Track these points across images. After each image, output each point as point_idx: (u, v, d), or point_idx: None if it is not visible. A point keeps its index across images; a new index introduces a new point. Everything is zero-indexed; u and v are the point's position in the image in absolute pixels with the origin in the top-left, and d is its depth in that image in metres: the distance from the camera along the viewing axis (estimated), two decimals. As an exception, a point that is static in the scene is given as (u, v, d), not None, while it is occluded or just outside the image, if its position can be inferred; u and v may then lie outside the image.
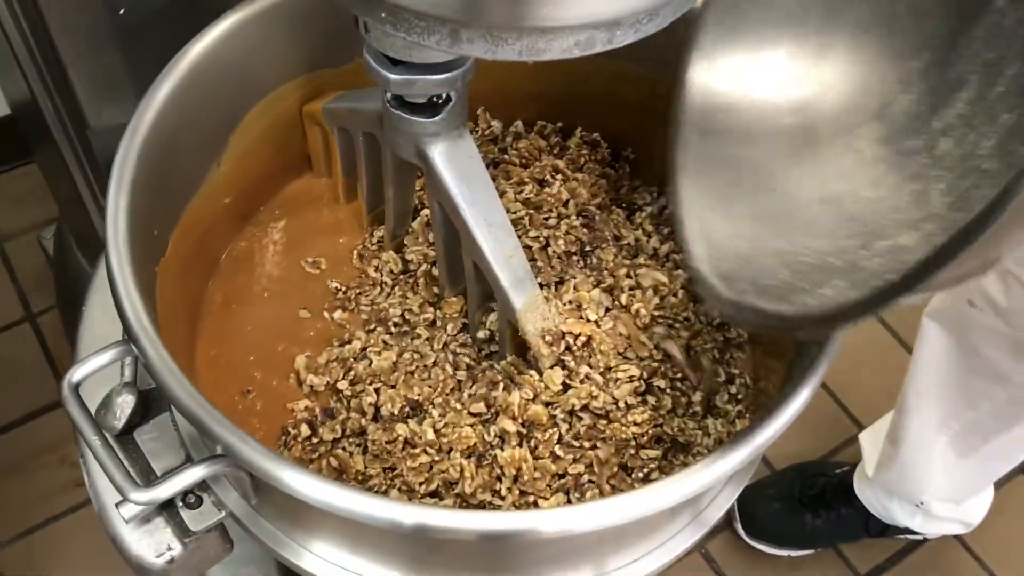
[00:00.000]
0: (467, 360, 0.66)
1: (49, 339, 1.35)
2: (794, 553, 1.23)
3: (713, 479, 0.52)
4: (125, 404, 0.65)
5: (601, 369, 0.64)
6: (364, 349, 0.67)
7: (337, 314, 0.71)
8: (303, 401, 0.66)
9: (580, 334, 0.63)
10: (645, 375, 0.65)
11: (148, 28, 0.71)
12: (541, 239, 0.70)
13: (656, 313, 0.68)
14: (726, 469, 0.52)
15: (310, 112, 0.73)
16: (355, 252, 0.75)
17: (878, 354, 1.41)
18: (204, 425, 0.49)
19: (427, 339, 0.68)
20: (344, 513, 0.47)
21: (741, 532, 1.24)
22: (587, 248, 0.70)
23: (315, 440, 0.63)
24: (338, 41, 0.73)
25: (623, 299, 0.68)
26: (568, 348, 0.63)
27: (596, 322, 0.66)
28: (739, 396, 0.68)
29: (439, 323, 0.69)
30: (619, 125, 0.80)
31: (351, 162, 0.74)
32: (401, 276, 0.72)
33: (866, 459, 1.15)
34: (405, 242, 0.73)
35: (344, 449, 0.63)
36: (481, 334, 0.67)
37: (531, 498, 0.61)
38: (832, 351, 0.56)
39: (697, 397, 0.66)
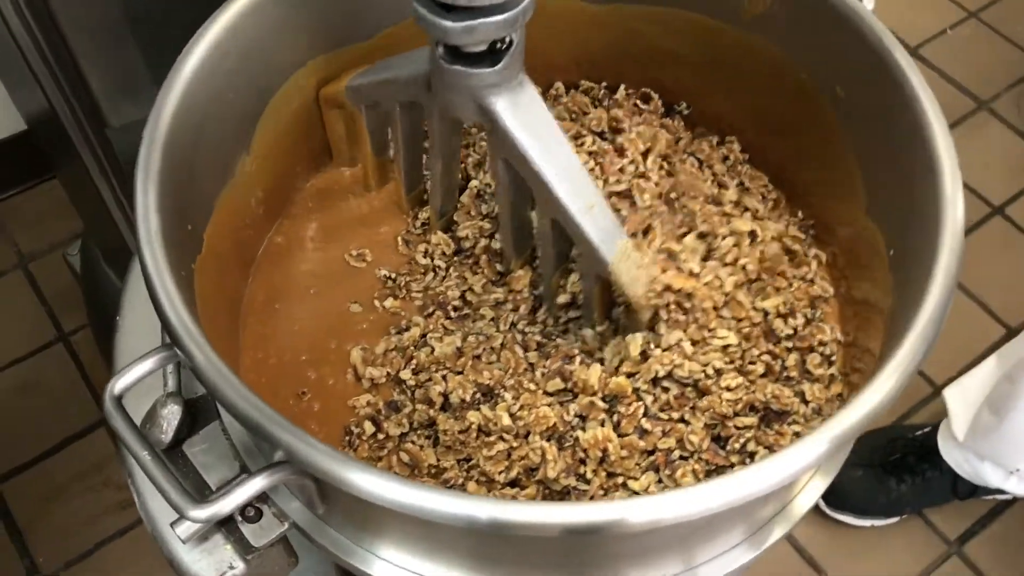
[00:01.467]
0: (537, 338, 0.61)
1: (84, 358, 1.32)
2: (879, 523, 1.17)
3: (826, 448, 0.46)
4: (171, 416, 0.61)
5: (696, 329, 0.58)
6: (424, 335, 0.62)
7: (389, 302, 0.66)
8: (364, 396, 0.61)
9: (681, 289, 0.57)
10: (742, 342, 0.59)
11: (162, 14, 0.67)
12: (623, 183, 0.65)
13: (760, 267, 0.63)
14: (838, 431, 0.46)
15: (329, 95, 0.68)
16: (399, 239, 0.70)
17: (953, 312, 1.35)
18: (264, 430, 0.44)
19: (492, 319, 0.62)
20: (432, 516, 0.42)
21: (822, 504, 1.18)
22: (672, 195, 0.65)
23: (381, 436, 0.59)
24: (357, 14, 0.67)
25: (722, 248, 0.62)
26: (667, 305, 0.57)
27: (696, 275, 0.60)
28: (832, 357, 0.62)
29: (507, 302, 0.63)
30: (670, 81, 0.74)
31: (383, 142, 0.69)
32: (455, 257, 0.67)
33: (954, 420, 1.09)
34: (455, 219, 0.68)
35: (413, 443, 0.58)
36: (562, 299, 0.61)
37: (619, 479, 0.56)
38: (946, 305, 0.50)
39: (791, 360, 0.60)
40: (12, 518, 1.18)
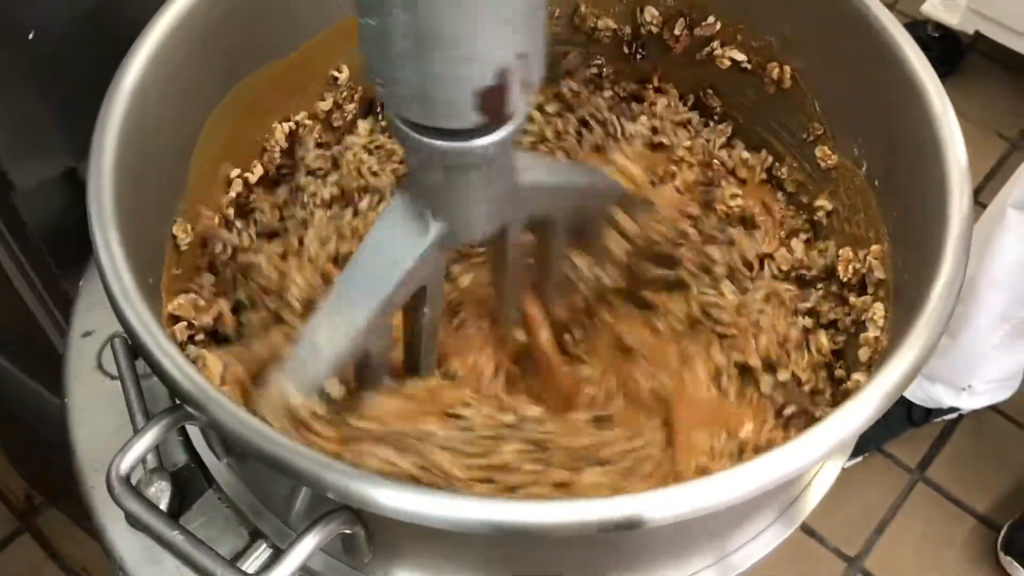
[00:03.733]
0: None
1: (-21, 462, 1.19)
2: (846, 464, 1.19)
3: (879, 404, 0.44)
4: (160, 493, 0.56)
5: None
6: None
7: None
8: None
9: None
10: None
11: (66, 54, 0.59)
12: None
13: None
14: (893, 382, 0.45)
15: None
16: None
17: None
18: (326, 482, 0.39)
19: None
20: (552, 531, 0.38)
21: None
22: None
23: None
24: (275, 30, 0.62)
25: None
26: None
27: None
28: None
29: None
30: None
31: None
32: None
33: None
34: None
35: None
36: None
37: None
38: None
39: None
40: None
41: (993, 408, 1.26)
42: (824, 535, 1.17)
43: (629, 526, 0.40)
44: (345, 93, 0.68)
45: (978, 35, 1.65)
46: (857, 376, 0.56)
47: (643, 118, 0.69)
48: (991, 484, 1.21)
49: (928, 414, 1.17)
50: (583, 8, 0.69)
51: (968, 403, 1.11)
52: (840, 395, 0.58)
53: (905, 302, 0.53)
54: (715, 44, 0.67)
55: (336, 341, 0.44)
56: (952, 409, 1.16)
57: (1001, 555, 1.17)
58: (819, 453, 0.43)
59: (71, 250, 0.67)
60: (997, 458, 1.23)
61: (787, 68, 0.64)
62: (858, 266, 0.60)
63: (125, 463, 0.43)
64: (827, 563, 1.17)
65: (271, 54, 0.63)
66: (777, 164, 0.68)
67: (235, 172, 0.63)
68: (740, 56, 0.66)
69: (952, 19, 1.64)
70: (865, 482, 1.19)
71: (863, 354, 0.57)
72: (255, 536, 0.54)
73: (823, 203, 0.65)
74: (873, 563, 1.18)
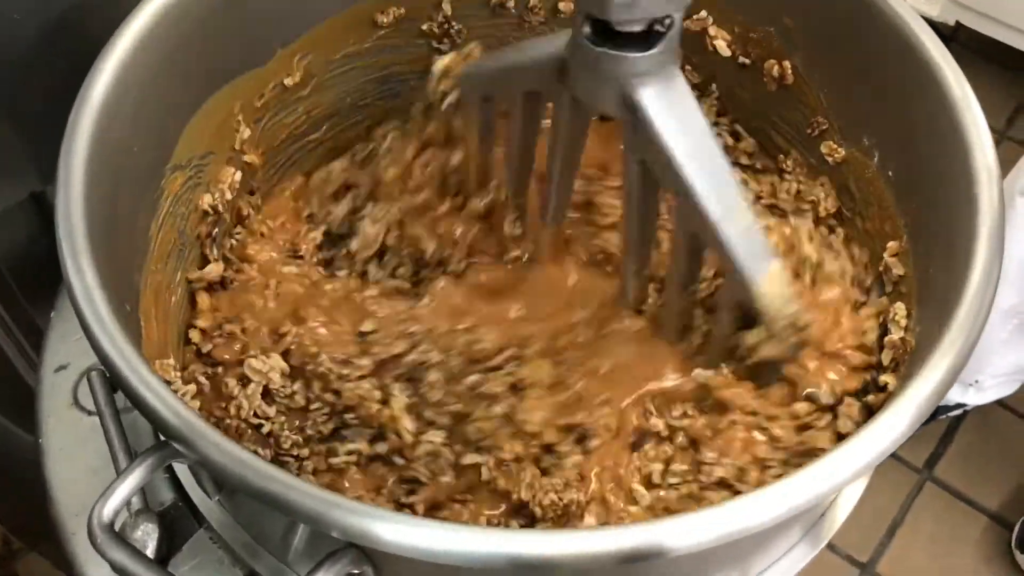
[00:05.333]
0: None
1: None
2: (852, 467, 1.17)
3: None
4: (147, 537, 0.52)
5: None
6: None
7: None
8: None
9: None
10: None
11: (28, 71, 0.56)
12: None
13: None
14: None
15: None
16: None
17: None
18: (330, 520, 0.36)
19: None
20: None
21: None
22: None
23: None
24: (249, 38, 0.59)
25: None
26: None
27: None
28: None
29: None
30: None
31: (489, 140, 0.60)
32: None
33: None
34: None
35: None
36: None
37: None
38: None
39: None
40: None
41: (998, 402, 1.24)
42: (834, 541, 1.14)
43: (650, 556, 0.37)
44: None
45: (959, 26, 1.64)
46: (885, 379, 0.53)
47: None
48: (1000, 480, 1.19)
49: (935, 411, 1.15)
50: None
51: (976, 399, 1.10)
52: (863, 405, 0.55)
53: (933, 299, 0.50)
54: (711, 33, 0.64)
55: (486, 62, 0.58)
56: (959, 405, 1.14)
57: (1016, 553, 1.15)
58: (856, 469, 0.40)
59: (40, 279, 0.63)
60: (1005, 453, 1.20)
61: (787, 64, 0.61)
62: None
63: (108, 509, 0.40)
64: (840, 571, 1.14)
65: (247, 63, 0.60)
66: (782, 156, 0.65)
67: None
68: (725, 48, 0.64)
69: (932, 11, 1.63)
70: (873, 484, 1.16)
71: (885, 356, 0.55)
72: (252, 576, 0.51)
73: (829, 200, 0.62)
74: (885, 567, 1.15)
